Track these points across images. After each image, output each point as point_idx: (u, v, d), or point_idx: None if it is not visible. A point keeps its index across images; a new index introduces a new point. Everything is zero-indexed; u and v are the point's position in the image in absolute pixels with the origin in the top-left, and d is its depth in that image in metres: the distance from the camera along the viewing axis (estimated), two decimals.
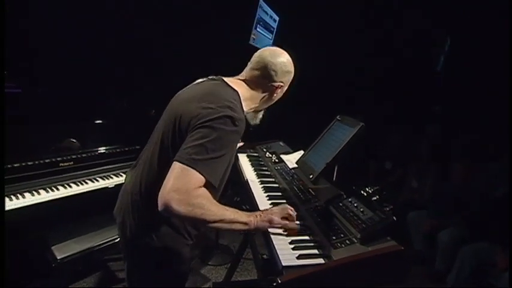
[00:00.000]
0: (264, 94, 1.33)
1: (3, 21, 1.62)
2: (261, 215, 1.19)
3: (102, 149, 2.49)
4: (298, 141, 2.18)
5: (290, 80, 1.38)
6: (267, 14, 4.66)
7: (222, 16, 3.90)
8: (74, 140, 2.37)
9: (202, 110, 1.10)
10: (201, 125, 1.07)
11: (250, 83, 1.30)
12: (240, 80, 1.31)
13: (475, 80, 4.57)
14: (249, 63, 1.34)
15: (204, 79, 1.33)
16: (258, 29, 4.46)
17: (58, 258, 1.94)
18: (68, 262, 1.96)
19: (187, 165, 1.02)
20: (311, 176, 1.61)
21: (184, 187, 1.00)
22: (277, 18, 4.97)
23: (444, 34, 5.42)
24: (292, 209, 1.26)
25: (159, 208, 1.00)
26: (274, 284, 0.99)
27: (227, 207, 1.12)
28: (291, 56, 1.37)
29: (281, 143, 2.38)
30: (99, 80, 3.11)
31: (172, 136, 1.16)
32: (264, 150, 2.22)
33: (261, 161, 2.11)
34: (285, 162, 1.98)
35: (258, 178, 1.81)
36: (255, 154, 2.25)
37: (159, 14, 3.51)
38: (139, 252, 1.27)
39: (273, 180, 1.79)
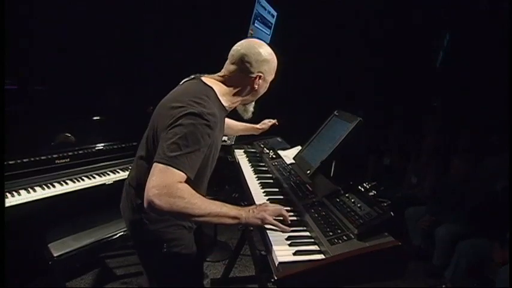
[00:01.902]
0: (244, 87, 1.33)
1: (3, 21, 1.60)
2: (253, 211, 1.19)
3: (99, 146, 2.47)
4: (295, 137, 2.17)
5: (272, 69, 1.36)
6: (265, 9, 4.63)
7: (220, 12, 3.87)
8: (69, 135, 2.34)
9: (172, 111, 1.17)
10: (171, 125, 1.14)
11: (228, 78, 1.32)
12: (219, 76, 1.34)
13: (475, 75, 4.56)
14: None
15: (186, 79, 1.37)
16: (255, 25, 4.43)
17: (55, 255, 1.93)
18: (65, 260, 1.95)
19: (164, 163, 1.07)
20: (308, 172, 1.60)
21: (163, 183, 1.04)
22: (275, 13, 4.94)
23: (444, 29, 5.40)
24: (286, 210, 1.25)
25: (145, 206, 1.05)
26: (272, 280, 0.99)
27: (214, 201, 1.14)
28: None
29: (279, 139, 2.37)
30: (97, 77, 3.09)
31: (153, 138, 1.25)
32: (262, 146, 2.22)
33: (258, 156, 2.10)
34: (282, 158, 1.97)
35: (255, 174, 1.80)
36: (253, 150, 2.24)
37: (157, 10, 3.48)
38: (140, 240, 1.38)
39: (270, 176, 1.78)
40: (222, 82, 1.32)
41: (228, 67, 1.33)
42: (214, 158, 1.34)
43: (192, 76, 1.36)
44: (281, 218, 1.22)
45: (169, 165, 1.07)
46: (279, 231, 1.19)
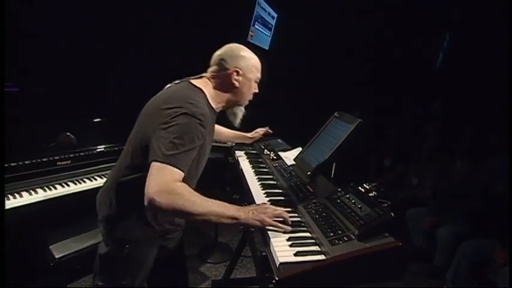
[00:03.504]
0: (224, 85, 1.38)
1: (3, 21, 1.61)
2: (253, 212, 1.18)
3: (99, 148, 2.47)
4: (296, 138, 2.17)
5: (251, 66, 1.39)
6: (265, 10, 4.64)
7: (220, 13, 3.89)
8: (69, 134, 2.36)
9: (166, 111, 1.19)
10: (167, 124, 1.17)
11: (211, 79, 1.39)
12: (204, 78, 1.40)
13: (475, 75, 4.56)
14: None
15: (172, 84, 1.42)
16: (256, 26, 4.44)
17: (56, 257, 1.94)
18: (66, 261, 1.97)
19: (162, 162, 1.10)
20: (309, 173, 1.61)
21: (162, 180, 1.07)
22: (275, 15, 4.95)
23: (444, 30, 5.41)
24: (286, 213, 1.23)
25: (146, 205, 1.06)
26: (273, 281, 0.99)
27: (214, 200, 1.14)
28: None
29: (279, 140, 2.38)
30: (98, 78, 3.09)
31: (141, 140, 1.25)
32: (262, 147, 2.22)
33: (259, 158, 2.11)
34: (283, 159, 1.98)
35: (256, 175, 1.80)
36: (253, 151, 2.24)
37: (157, 11, 3.49)
38: (112, 242, 1.37)
39: (271, 177, 1.79)
40: (208, 83, 1.38)
41: (209, 69, 1.41)
42: (202, 159, 1.37)
43: (177, 81, 1.41)
44: (281, 218, 1.22)
45: (167, 163, 1.09)
46: (280, 231, 1.19)
